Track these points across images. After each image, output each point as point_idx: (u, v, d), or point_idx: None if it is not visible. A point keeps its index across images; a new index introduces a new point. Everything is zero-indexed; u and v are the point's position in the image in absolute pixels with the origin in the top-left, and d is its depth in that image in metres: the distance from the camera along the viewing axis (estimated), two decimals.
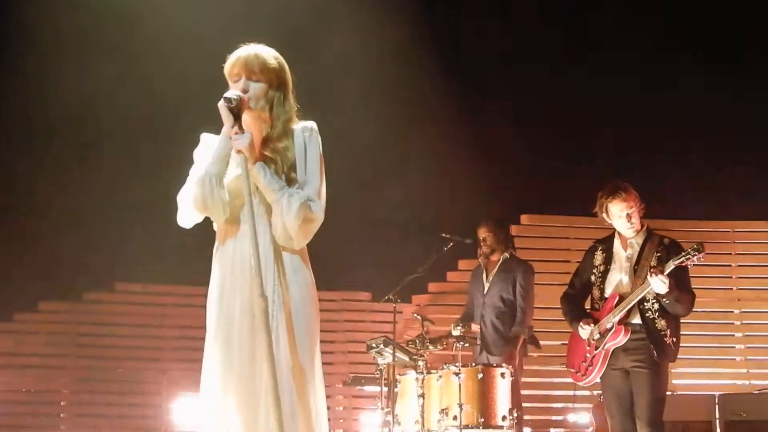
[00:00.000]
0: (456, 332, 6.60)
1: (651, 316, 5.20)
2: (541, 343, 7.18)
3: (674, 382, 8.77)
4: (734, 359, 9.60)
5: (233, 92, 3.22)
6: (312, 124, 3.36)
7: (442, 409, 6.27)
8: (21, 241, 8.93)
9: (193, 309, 8.72)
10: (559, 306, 5.67)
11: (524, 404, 6.97)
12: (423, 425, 6.36)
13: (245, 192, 3.15)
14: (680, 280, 5.18)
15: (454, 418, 6.16)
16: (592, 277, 5.48)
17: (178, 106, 8.20)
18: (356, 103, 8.62)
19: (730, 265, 9.66)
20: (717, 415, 7.68)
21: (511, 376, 6.39)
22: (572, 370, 5.54)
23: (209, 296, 3.28)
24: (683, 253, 5.09)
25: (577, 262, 5.78)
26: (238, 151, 3.18)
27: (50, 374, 9.34)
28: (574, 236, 9.51)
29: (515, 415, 6.27)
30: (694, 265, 5.15)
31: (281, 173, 3.25)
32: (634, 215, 5.34)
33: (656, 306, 5.19)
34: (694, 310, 5.34)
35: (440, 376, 6.40)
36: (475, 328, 6.89)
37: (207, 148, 3.32)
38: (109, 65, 8.60)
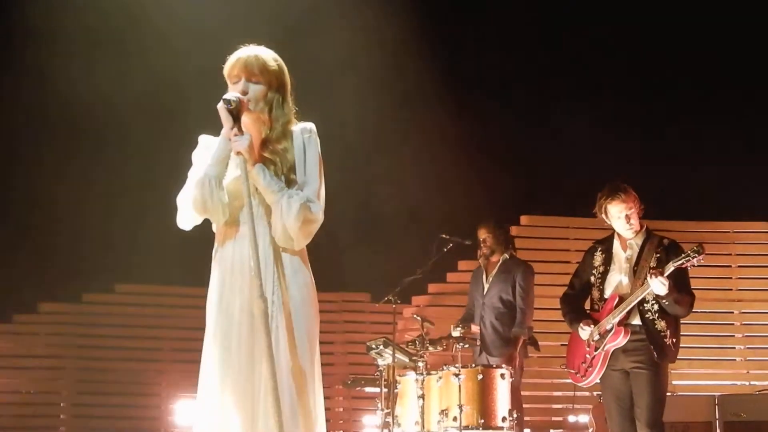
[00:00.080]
0: (456, 333, 6.59)
1: (651, 317, 5.19)
2: (540, 344, 7.16)
3: (674, 382, 8.78)
4: (734, 360, 9.60)
5: (232, 94, 3.21)
6: (311, 126, 3.36)
7: (442, 410, 6.26)
8: (21, 243, 8.93)
9: (193, 310, 8.68)
10: (559, 307, 5.66)
11: (524, 405, 6.96)
12: (423, 426, 6.35)
13: (244, 193, 3.14)
14: (680, 281, 5.16)
15: (454, 419, 6.15)
16: (592, 278, 5.47)
17: (179, 107, 8.20)
18: (356, 104, 8.61)
19: (729, 266, 9.66)
20: (717, 416, 7.68)
21: (511, 377, 6.38)
22: (572, 371, 5.52)
23: (209, 297, 3.28)
24: (683, 255, 5.08)
25: (577, 262, 5.77)
26: (238, 153, 3.18)
27: (50, 375, 9.35)
28: (573, 237, 9.51)
29: (515, 416, 6.27)
30: (693, 266, 5.14)
31: (280, 175, 3.24)
32: (633, 216, 5.32)
33: (656, 307, 5.18)
34: (693, 310, 5.33)
35: (440, 377, 6.39)
36: (474, 329, 6.89)
37: (206, 149, 3.31)
38: (110, 65, 8.59)
